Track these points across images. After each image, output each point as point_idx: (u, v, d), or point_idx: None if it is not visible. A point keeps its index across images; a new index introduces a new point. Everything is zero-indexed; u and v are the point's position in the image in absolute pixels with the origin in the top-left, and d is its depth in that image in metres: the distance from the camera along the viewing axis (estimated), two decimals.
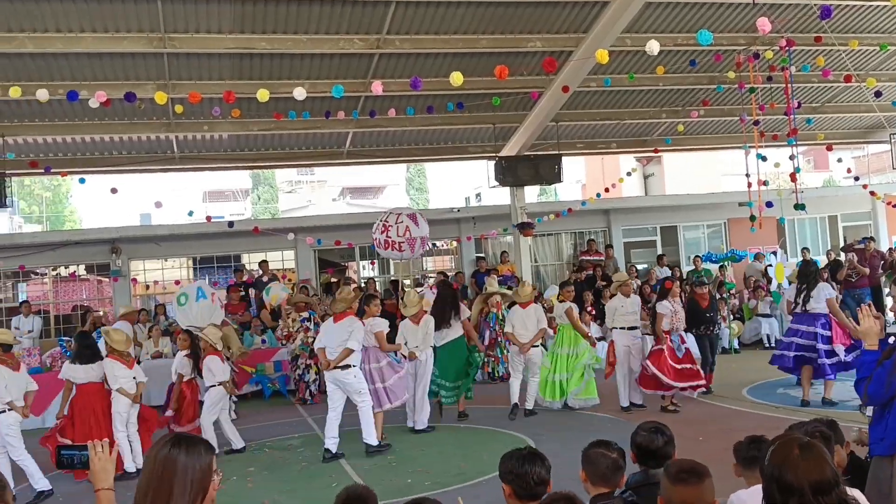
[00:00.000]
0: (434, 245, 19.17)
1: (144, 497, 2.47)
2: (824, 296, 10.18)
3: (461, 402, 10.79)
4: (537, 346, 10.76)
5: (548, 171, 16.45)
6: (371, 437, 9.06)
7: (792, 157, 12.05)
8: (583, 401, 10.81)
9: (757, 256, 18.39)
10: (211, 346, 9.66)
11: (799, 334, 10.25)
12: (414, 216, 12.28)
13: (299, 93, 10.03)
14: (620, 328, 10.84)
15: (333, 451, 8.91)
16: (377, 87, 10.27)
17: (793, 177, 11.99)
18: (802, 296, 10.31)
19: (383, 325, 9.71)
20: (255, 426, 11.40)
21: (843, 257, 16.90)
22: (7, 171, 14.13)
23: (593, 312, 15.80)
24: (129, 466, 8.68)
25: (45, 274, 17.23)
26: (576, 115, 16.57)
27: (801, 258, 17.36)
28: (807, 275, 10.52)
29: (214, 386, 9.58)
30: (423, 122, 15.44)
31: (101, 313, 16.36)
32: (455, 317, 10.69)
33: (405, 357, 9.98)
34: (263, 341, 14.69)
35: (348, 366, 8.95)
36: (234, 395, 9.72)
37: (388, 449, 9.15)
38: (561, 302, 11.32)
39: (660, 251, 19.91)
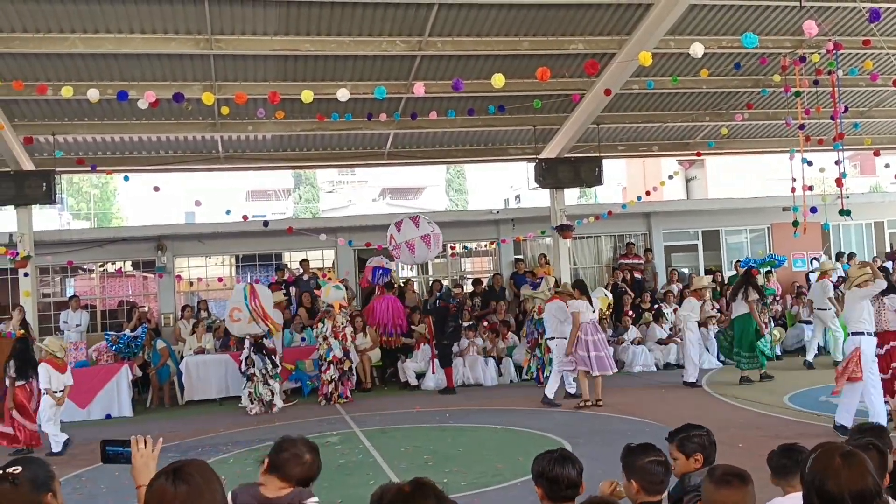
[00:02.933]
0: (465, 248, 19.19)
1: None
2: None
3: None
4: None
5: (588, 174, 16.37)
6: (551, 392, 11.87)
7: (838, 162, 11.86)
8: None
9: (813, 261, 18.19)
10: (49, 354, 10.41)
11: None
12: (399, 223, 13.82)
13: (342, 94, 10.15)
14: (868, 333, 8.80)
15: (550, 398, 11.77)
16: (419, 89, 10.34)
17: (838, 182, 11.80)
18: None
19: (583, 307, 11.71)
20: (293, 422, 11.54)
21: (889, 265, 16.57)
22: (56, 169, 14.48)
23: (632, 315, 15.75)
24: None
25: (93, 270, 17.60)
26: (617, 118, 16.48)
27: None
28: None
29: (45, 393, 10.27)
30: (464, 123, 15.48)
31: (146, 309, 16.68)
32: (742, 295, 12.91)
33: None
34: (303, 339, 14.86)
35: (552, 337, 12.07)
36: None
37: (558, 407, 11.51)
38: None
39: (701, 256, 19.71)
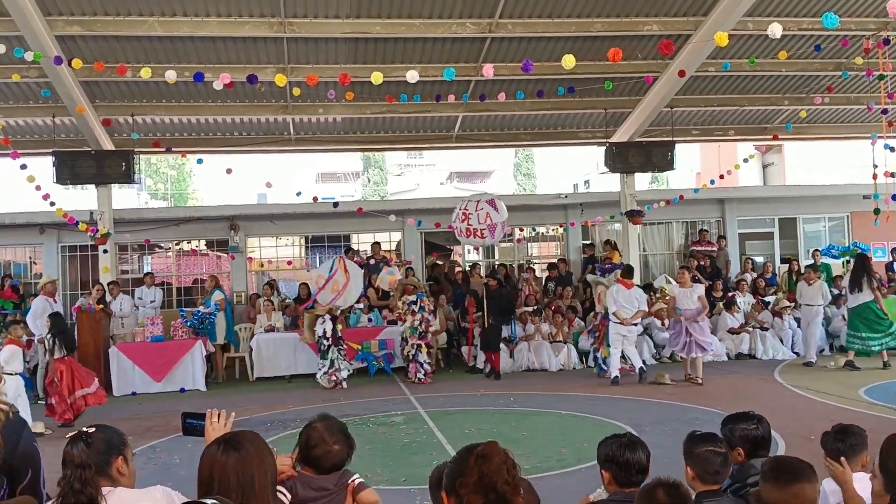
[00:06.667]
0: (534, 230, 19.09)
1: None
2: None
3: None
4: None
5: (660, 158, 16.06)
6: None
7: None
8: None
9: (893, 251, 17.50)
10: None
11: None
12: (492, 202, 13.72)
13: (412, 76, 10.17)
14: None
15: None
16: (488, 71, 10.30)
17: None
18: None
19: (700, 291, 12.55)
20: (359, 401, 11.70)
21: None
22: (135, 149, 14.90)
23: None
24: None
25: (169, 248, 18.09)
26: (692, 101, 16.11)
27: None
28: None
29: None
30: (533, 106, 15.35)
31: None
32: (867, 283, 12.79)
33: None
34: (370, 320, 15.02)
35: (635, 323, 12.64)
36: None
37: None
38: None
39: (777, 244, 19.17)
